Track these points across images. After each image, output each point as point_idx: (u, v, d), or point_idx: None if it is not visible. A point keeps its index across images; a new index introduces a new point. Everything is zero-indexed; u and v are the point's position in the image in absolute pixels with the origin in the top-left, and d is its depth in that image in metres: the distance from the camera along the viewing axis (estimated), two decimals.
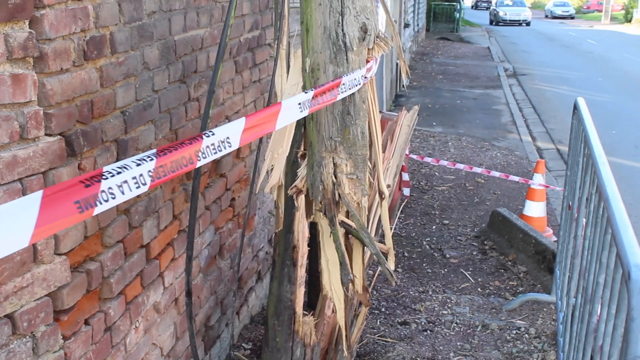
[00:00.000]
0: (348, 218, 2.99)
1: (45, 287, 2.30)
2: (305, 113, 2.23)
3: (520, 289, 5.63)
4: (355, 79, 2.58)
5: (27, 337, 2.26)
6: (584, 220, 3.44)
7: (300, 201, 3.08)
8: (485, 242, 6.54)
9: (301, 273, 3.59)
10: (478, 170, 6.99)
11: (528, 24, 40.24)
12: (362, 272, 3.12)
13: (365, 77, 2.67)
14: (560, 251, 4.94)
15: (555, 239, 6.30)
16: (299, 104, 2.20)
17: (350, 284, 3.02)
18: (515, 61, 21.52)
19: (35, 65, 2.17)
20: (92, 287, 2.58)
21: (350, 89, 2.55)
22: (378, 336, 4.72)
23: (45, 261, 2.28)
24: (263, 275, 4.91)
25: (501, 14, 40.95)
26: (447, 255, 6.26)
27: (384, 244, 3.20)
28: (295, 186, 2.92)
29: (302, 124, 2.99)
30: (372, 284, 4.50)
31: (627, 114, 13.26)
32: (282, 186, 3.10)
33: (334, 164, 2.85)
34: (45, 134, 2.22)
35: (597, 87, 16.37)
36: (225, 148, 1.84)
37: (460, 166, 7.13)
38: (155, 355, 3.21)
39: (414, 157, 7.66)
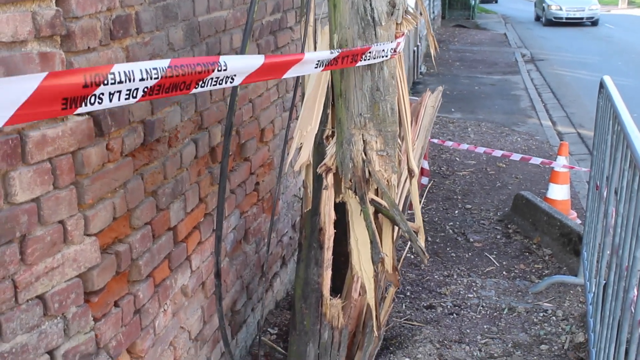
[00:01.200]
0: (377, 196, 2.96)
1: (76, 267, 2.28)
2: (319, 70, 2.18)
3: (546, 271, 5.57)
4: (383, 50, 2.54)
5: (59, 318, 2.25)
6: (615, 197, 3.38)
7: (329, 180, 3.04)
8: (509, 226, 6.48)
9: (328, 256, 3.56)
10: (498, 153, 6.91)
11: (595, 22, 27.51)
12: (392, 251, 3.08)
13: (394, 51, 2.62)
14: (587, 232, 4.88)
15: (580, 221, 6.23)
16: (318, 61, 2.15)
17: (380, 264, 2.98)
18: (533, 47, 21.31)
19: (63, 44, 2.14)
20: (122, 269, 2.56)
21: (375, 58, 2.50)
22: (404, 320, 4.69)
23: (75, 242, 2.26)
24: (287, 260, 4.88)
25: (554, 8, 27.47)
26: (471, 240, 6.21)
27: (413, 223, 3.16)
28: (325, 164, 2.89)
29: (329, 103, 2.95)
30: (399, 266, 4.46)
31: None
32: (311, 165, 3.07)
33: (363, 141, 2.81)
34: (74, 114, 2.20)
35: (616, 71, 16.16)
36: (226, 83, 1.80)
37: (481, 150, 7.06)
38: (184, 339, 3.19)
39: (435, 141, 7.60)
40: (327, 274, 3.58)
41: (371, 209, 2.94)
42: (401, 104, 2.94)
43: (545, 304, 5.02)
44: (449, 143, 7.56)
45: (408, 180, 3.16)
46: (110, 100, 1.50)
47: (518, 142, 9.84)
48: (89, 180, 2.30)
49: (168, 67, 1.70)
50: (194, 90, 1.74)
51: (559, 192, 6.66)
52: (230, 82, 1.83)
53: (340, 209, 3.58)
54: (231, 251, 3.75)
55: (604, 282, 3.72)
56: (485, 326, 4.69)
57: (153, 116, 2.71)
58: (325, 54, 2.21)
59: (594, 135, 4.92)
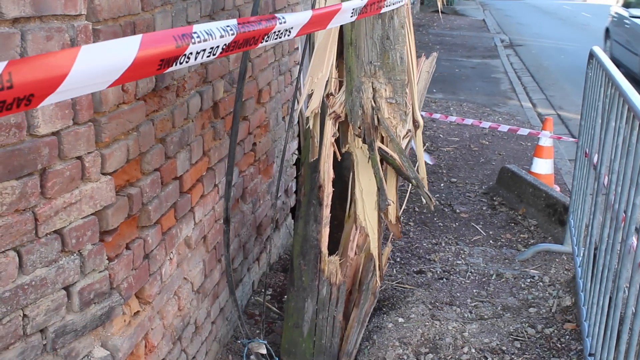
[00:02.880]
0: (384, 145, 3.01)
1: (92, 205, 2.31)
2: (354, 18, 2.23)
3: (532, 241, 5.67)
4: None
5: (75, 254, 2.28)
6: (610, 157, 3.47)
7: (326, 129, 3.07)
8: (495, 198, 6.58)
9: (326, 213, 3.61)
10: (486, 125, 7.00)
11: None
12: (396, 201, 3.14)
13: None
14: (574, 201, 4.98)
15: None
16: (353, 9, 2.20)
17: (383, 215, 3.03)
18: (511, 33, 21.46)
19: None
20: (133, 212, 2.59)
21: (393, 4, 2.55)
22: (396, 283, 4.76)
23: (92, 179, 2.29)
24: (280, 224, 4.93)
25: None
26: (457, 210, 6.30)
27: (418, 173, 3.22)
28: (334, 111, 2.93)
29: (337, 51, 2.99)
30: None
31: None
32: (319, 114, 3.11)
33: (373, 88, 2.86)
34: None
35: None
36: (284, 36, 1.85)
37: (469, 121, 7.15)
38: (187, 289, 3.23)
39: (423, 114, 7.66)
40: (326, 231, 3.63)
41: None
42: (409, 54, 2.99)
43: (532, 270, 5.12)
44: (437, 115, 7.63)
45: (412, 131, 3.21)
46: (195, 59, 1.54)
47: (500, 122, 9.94)
48: (106, 119, 2.32)
49: (239, 24, 1.73)
50: (260, 45, 1.78)
51: (543, 167, 6.76)
52: (288, 35, 1.88)
53: (336, 171, 3.64)
54: (230, 209, 3.78)
55: (595, 244, 3.81)
56: (474, 290, 4.78)
57: None
58: (357, 2, 2.25)
59: (582, 106, 5.01)
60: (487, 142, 8.54)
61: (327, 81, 2.94)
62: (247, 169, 4.02)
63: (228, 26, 1.61)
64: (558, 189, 6.79)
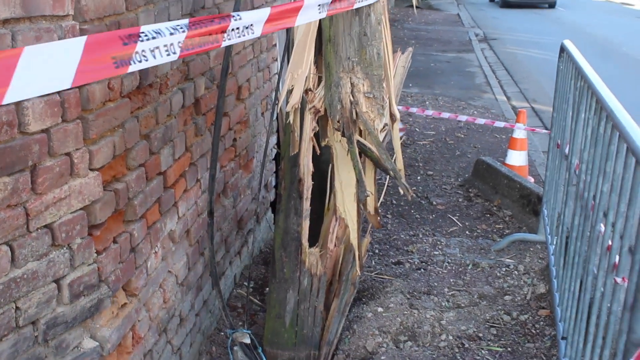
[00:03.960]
0: (362, 138, 3.10)
1: (81, 200, 2.38)
2: (324, 15, 2.31)
3: (507, 231, 5.80)
4: None
5: (65, 248, 2.34)
6: (580, 148, 3.60)
7: (306, 123, 3.16)
8: (470, 190, 6.71)
9: (306, 206, 3.70)
10: (463, 118, 7.13)
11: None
12: (374, 192, 3.23)
13: None
14: (547, 191, 5.11)
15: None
16: (319, 5, 2.28)
17: (362, 205, 3.13)
18: (486, 27, 21.66)
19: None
20: (119, 206, 2.66)
21: (365, 0, 2.63)
22: (375, 274, 4.86)
23: (80, 174, 2.36)
24: (261, 218, 5.01)
25: None
26: (434, 203, 6.42)
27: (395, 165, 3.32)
28: (314, 106, 3.02)
29: (316, 48, 3.08)
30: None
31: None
32: (299, 109, 3.19)
33: (351, 83, 2.95)
34: None
35: None
36: (248, 34, 1.93)
37: (446, 115, 7.27)
38: (172, 282, 3.30)
39: (399, 108, 7.77)
40: (306, 224, 3.72)
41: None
42: (385, 50, 3.09)
43: (507, 259, 5.25)
44: (414, 109, 7.74)
45: (389, 125, 3.31)
46: (155, 57, 1.63)
47: (475, 115, 10.07)
48: (94, 116, 2.39)
49: (190, 23, 1.82)
50: (223, 44, 1.86)
51: (517, 158, 6.91)
52: (252, 33, 1.96)
53: (316, 165, 3.73)
54: (214, 202, 3.85)
55: (567, 232, 3.94)
56: (451, 280, 4.90)
57: None
58: None
59: (554, 98, 5.14)
60: (463, 135, 8.68)
61: (307, 77, 3.03)
62: (228, 164, 4.10)
63: (178, 25, 1.70)
64: (532, 180, 6.93)
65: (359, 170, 3.04)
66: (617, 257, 2.48)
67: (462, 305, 4.54)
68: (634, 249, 2.21)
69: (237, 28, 1.86)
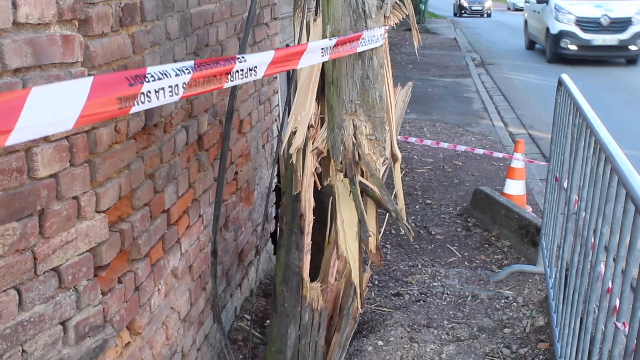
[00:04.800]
0: (364, 179, 3.13)
1: (87, 242, 2.40)
2: (326, 58, 2.36)
3: (505, 262, 5.82)
4: (374, 35, 2.72)
5: (71, 290, 2.36)
6: (578, 184, 3.63)
7: (307, 162, 3.19)
8: (469, 220, 6.74)
9: (307, 241, 3.72)
10: (462, 148, 7.16)
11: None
12: (376, 231, 3.26)
13: (383, 37, 2.80)
14: (546, 223, 5.14)
15: (536, 215, 6.51)
16: (322, 49, 2.32)
17: (364, 245, 3.16)
18: (482, 51, 21.82)
19: (80, 28, 2.27)
20: (125, 246, 2.68)
21: (369, 43, 2.68)
22: (375, 306, 4.88)
23: (87, 217, 2.38)
24: (261, 249, 5.03)
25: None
26: (433, 232, 6.44)
27: (396, 205, 3.35)
28: (317, 147, 3.05)
29: (319, 90, 3.12)
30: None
31: (596, 100, 13.55)
32: (301, 150, 3.23)
33: (354, 125, 2.99)
34: None
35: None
36: (251, 76, 1.97)
37: (444, 144, 7.34)
38: (174, 319, 3.32)
39: (399, 137, 7.82)
40: (307, 259, 3.74)
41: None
42: (387, 92, 3.13)
43: (506, 291, 5.27)
44: (412, 139, 7.79)
45: (391, 165, 3.35)
46: (158, 98, 1.66)
47: (472, 141, 10.15)
48: (101, 159, 2.42)
49: (196, 64, 1.86)
50: (226, 85, 1.90)
51: (515, 188, 6.94)
52: (255, 75, 2.00)
53: (316, 198, 3.75)
54: (217, 242, 3.88)
55: (566, 265, 3.97)
56: (451, 312, 4.91)
57: None
58: (325, 42, 2.38)
59: (552, 131, 5.18)
60: (461, 163, 8.72)
61: (310, 119, 3.07)
62: (229, 197, 4.13)
63: (184, 66, 1.74)
64: (530, 209, 6.97)
65: (361, 211, 3.07)
66: (618, 301, 2.51)
67: (462, 338, 4.55)
68: (635, 295, 2.24)
69: (241, 70, 1.89)
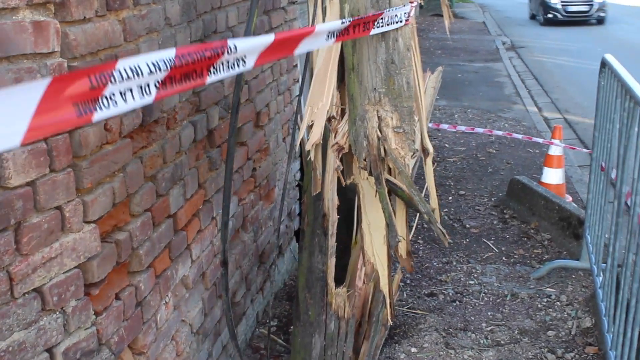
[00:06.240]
0: (392, 176, 2.80)
1: (75, 257, 2.11)
2: (331, 42, 2.02)
3: (546, 256, 5.45)
4: (396, 15, 2.38)
5: (58, 312, 2.07)
6: (632, 176, 3.26)
7: (329, 159, 2.87)
8: (505, 211, 6.36)
9: (332, 242, 3.41)
10: (499, 132, 6.75)
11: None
12: (406, 235, 2.93)
13: (408, 16, 2.46)
14: (590, 215, 4.76)
15: (576, 205, 6.12)
16: (329, 32, 1.99)
17: (393, 251, 2.83)
18: (512, 34, 21.23)
19: (57, 13, 1.96)
20: (122, 258, 2.39)
21: (389, 24, 2.34)
22: (407, 308, 4.54)
23: (74, 229, 2.09)
24: (284, 249, 4.72)
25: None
26: (467, 226, 6.08)
27: (429, 205, 3.01)
28: (337, 143, 2.72)
29: (338, 77, 2.78)
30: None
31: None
32: (320, 145, 2.90)
33: (378, 117, 2.65)
34: None
35: (597, 57, 16.09)
36: (239, 66, 1.64)
37: (480, 130, 6.94)
38: (186, 332, 3.02)
39: (430, 125, 7.45)
40: (332, 262, 3.43)
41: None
42: (415, 79, 2.79)
43: (548, 289, 4.90)
44: (445, 126, 7.40)
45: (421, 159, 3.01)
46: (125, 101, 1.36)
47: (506, 127, 9.73)
48: (88, 163, 2.12)
49: (175, 56, 1.55)
50: (208, 80, 1.58)
51: (553, 176, 6.55)
52: (243, 65, 1.68)
53: (341, 193, 3.43)
54: (230, 240, 3.57)
55: (618, 265, 3.60)
56: (489, 313, 4.57)
57: None
58: (336, 24, 2.05)
59: (595, 116, 4.79)
60: (495, 151, 8.32)
61: (328, 111, 2.73)
62: (247, 196, 3.82)
63: (161, 60, 1.42)
64: (570, 199, 6.58)
65: (388, 213, 2.74)
66: None
67: (502, 342, 4.20)
68: None
69: (227, 61, 1.57)
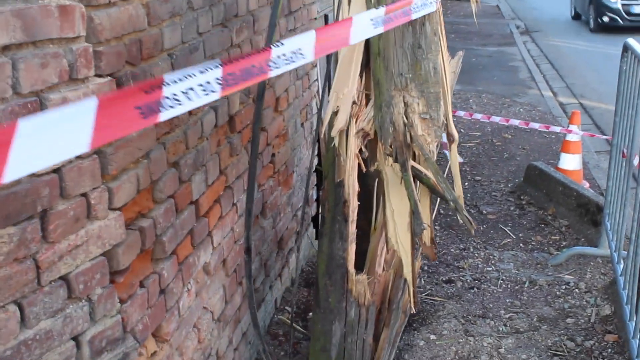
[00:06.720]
0: (417, 163, 2.77)
1: (100, 245, 2.09)
2: (380, 30, 1.99)
3: (564, 243, 5.41)
4: None
5: (84, 300, 2.06)
6: None
7: (350, 145, 2.83)
8: (522, 197, 6.32)
9: (352, 229, 3.38)
10: (516, 122, 6.70)
11: None
12: (431, 223, 2.90)
13: (437, 0, 2.42)
14: (610, 202, 4.72)
15: (594, 191, 6.07)
16: (371, 19, 1.96)
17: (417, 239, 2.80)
18: (526, 18, 21.03)
19: None
20: (146, 246, 2.37)
21: (422, 8, 2.30)
22: (425, 295, 4.52)
23: (99, 217, 2.07)
24: (302, 235, 4.70)
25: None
26: (484, 212, 6.05)
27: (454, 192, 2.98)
28: (362, 129, 2.69)
29: (363, 63, 2.74)
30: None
31: None
32: (344, 132, 2.87)
33: (404, 103, 2.61)
34: (95, 75, 2.00)
35: (612, 42, 15.96)
36: (298, 59, 1.62)
37: (496, 119, 6.87)
38: (207, 320, 3.01)
39: None
40: (352, 249, 3.40)
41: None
42: (442, 64, 2.74)
43: (566, 276, 4.87)
44: (461, 113, 7.34)
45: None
46: (190, 99, 1.34)
47: (521, 113, 9.66)
48: (112, 149, 2.10)
49: (222, 62, 1.52)
50: (272, 73, 1.57)
51: (571, 162, 6.49)
52: (302, 57, 1.66)
53: (361, 180, 3.40)
54: (251, 237, 3.55)
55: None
56: (507, 300, 4.54)
57: None
58: (372, 12, 2.01)
59: (616, 102, 4.73)
60: (510, 136, 8.27)
61: (354, 96, 2.70)
62: (266, 182, 3.79)
63: (209, 66, 1.40)
64: (587, 185, 6.52)
65: (414, 200, 2.70)
66: None
67: (521, 330, 4.18)
68: None
69: (283, 54, 1.55)
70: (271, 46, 1.55)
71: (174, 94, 1.31)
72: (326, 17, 5.10)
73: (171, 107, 1.31)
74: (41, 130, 1.09)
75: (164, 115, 1.30)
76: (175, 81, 1.32)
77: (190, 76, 1.36)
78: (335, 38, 1.82)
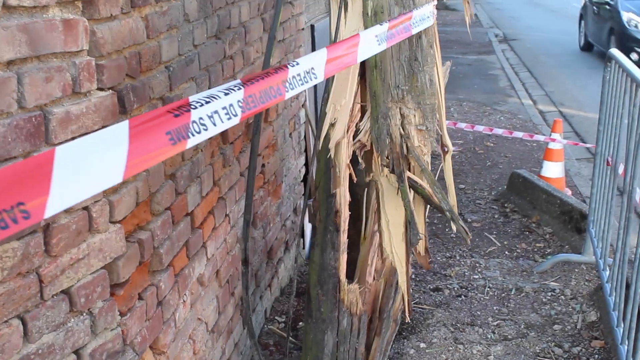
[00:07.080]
0: (413, 174, 2.79)
1: (101, 258, 2.09)
2: (384, 46, 2.03)
3: (548, 250, 5.47)
4: (424, 13, 2.37)
5: (85, 314, 2.06)
6: None
7: (341, 156, 2.86)
8: (506, 205, 6.38)
9: (344, 239, 3.41)
10: (500, 131, 6.76)
11: None
12: (425, 232, 2.93)
13: (433, 14, 2.46)
14: (595, 209, 4.79)
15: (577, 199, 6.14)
16: (376, 36, 1.99)
17: (412, 248, 2.83)
18: (504, 27, 21.23)
19: (85, 11, 1.94)
20: (144, 258, 2.37)
21: (421, 23, 2.34)
22: (414, 303, 4.55)
23: (100, 230, 2.07)
24: (290, 245, 4.71)
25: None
26: (469, 220, 6.09)
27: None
28: (359, 140, 2.71)
29: (359, 74, 2.77)
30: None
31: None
32: (340, 143, 2.89)
33: (401, 114, 2.64)
34: (97, 88, 2.00)
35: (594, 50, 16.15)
36: (311, 79, 1.65)
37: (480, 128, 6.93)
38: (202, 331, 3.01)
39: None
40: (344, 258, 3.43)
41: None
42: (437, 76, 2.78)
43: (552, 283, 4.93)
44: (446, 121, 7.38)
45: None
46: (215, 124, 1.36)
47: (502, 121, 9.75)
48: None
49: (242, 82, 1.55)
50: (287, 95, 1.59)
51: (553, 170, 6.57)
52: (315, 78, 1.68)
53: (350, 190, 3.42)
54: (241, 236, 3.56)
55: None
56: (495, 307, 4.58)
57: (171, 92, 2.51)
58: (376, 28, 2.05)
59: (599, 111, 4.80)
60: (492, 144, 8.34)
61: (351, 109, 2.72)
62: (256, 192, 3.80)
63: (231, 86, 1.42)
64: (569, 192, 6.60)
65: (410, 211, 2.73)
66: None
67: (509, 337, 4.22)
68: None
69: (298, 74, 1.57)
70: (287, 65, 1.57)
71: (201, 118, 1.34)
72: (312, 27, 5.13)
73: (197, 132, 1.33)
74: (78, 159, 1.09)
75: (191, 142, 1.33)
76: (202, 103, 1.33)
77: (214, 97, 1.37)
78: (344, 57, 1.85)
